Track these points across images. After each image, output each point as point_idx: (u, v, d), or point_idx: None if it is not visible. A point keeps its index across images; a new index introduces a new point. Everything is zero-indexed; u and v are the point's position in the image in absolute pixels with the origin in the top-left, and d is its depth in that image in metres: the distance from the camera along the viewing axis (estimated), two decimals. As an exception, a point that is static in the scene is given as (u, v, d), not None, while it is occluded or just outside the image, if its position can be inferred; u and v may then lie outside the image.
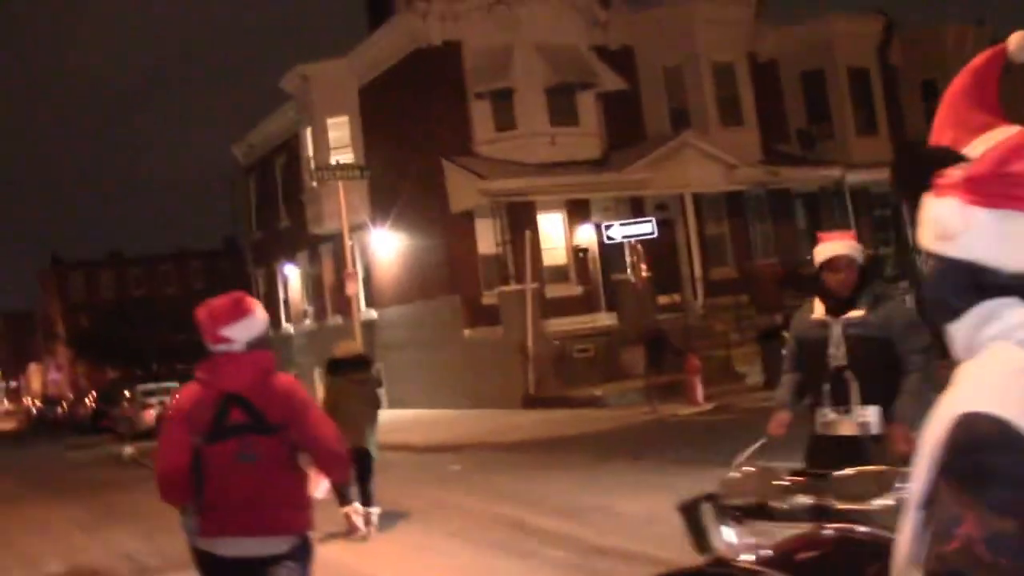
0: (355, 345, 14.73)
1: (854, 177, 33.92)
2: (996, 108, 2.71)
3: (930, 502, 1.82)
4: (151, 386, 39.72)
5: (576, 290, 30.59)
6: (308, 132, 34.84)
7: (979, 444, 1.72)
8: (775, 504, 3.19)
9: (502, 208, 28.50)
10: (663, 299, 29.67)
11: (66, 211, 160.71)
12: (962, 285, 1.87)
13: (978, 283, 1.86)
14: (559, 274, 30.49)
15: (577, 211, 30.66)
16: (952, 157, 2.52)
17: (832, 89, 35.50)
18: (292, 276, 40.55)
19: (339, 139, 33.73)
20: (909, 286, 34.03)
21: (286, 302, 41.21)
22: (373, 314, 32.73)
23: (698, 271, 31.16)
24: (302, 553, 5.05)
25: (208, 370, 5.08)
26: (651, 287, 28.64)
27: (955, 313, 1.90)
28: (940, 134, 2.68)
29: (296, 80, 34.86)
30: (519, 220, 28.63)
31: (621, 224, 25.27)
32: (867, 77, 36.11)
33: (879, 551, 2.69)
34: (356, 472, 11.07)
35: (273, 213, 41.10)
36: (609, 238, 25.25)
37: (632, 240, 25.25)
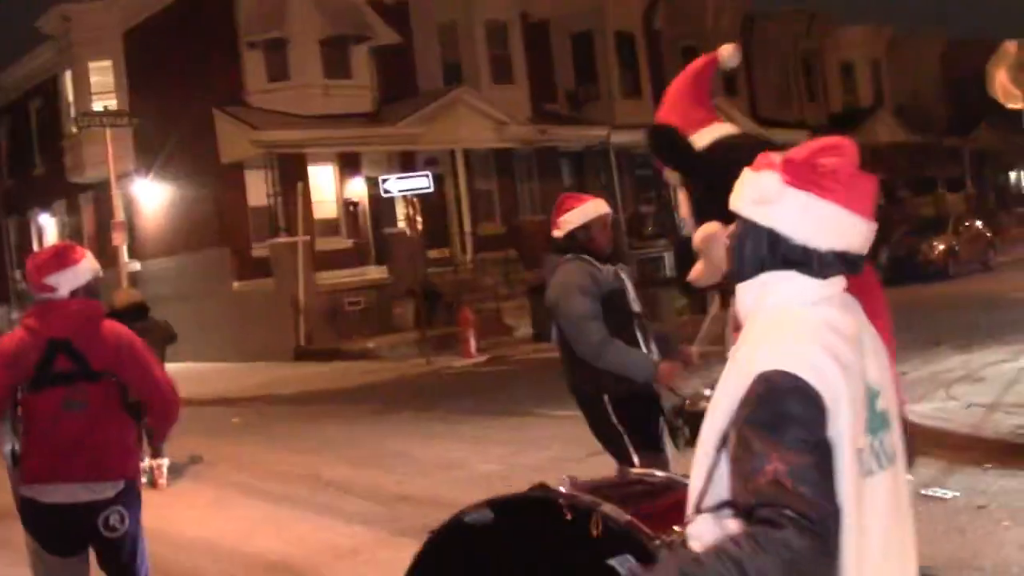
0: (134, 293, 14.27)
1: (618, 138, 34.99)
2: (710, 106, 3.27)
3: (723, 445, 2.27)
4: None
5: (347, 243, 30.57)
6: (68, 76, 33.55)
7: (778, 396, 2.16)
8: None
9: (274, 159, 28.21)
10: (433, 253, 29.99)
11: None
12: (761, 247, 2.32)
13: (772, 250, 2.30)
14: (330, 227, 30.39)
15: (349, 164, 30.59)
16: (680, 141, 3.05)
17: (600, 52, 36.48)
18: (48, 226, 38.99)
19: (102, 84, 32.56)
20: (667, 243, 35.44)
21: (41, 252, 39.67)
22: (137, 266, 31.76)
23: (467, 226, 31.62)
24: (130, 497, 5.14)
25: (34, 317, 5.14)
26: (422, 241, 28.96)
27: (748, 274, 2.35)
28: (666, 118, 3.20)
29: (55, 20, 33.41)
30: (291, 172, 28.40)
31: (398, 178, 25.36)
32: (633, 41, 37.26)
33: (668, 488, 3.14)
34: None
35: (27, 160, 39.34)
36: (385, 191, 25.30)
37: (408, 194, 25.40)
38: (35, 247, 39.56)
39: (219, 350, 28.33)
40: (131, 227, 31.54)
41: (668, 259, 34.62)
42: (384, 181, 25.26)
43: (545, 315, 24.76)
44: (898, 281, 27.77)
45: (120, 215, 27.24)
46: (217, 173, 29.52)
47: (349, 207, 30.86)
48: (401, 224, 29.40)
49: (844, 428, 2.17)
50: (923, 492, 8.00)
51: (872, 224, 2.32)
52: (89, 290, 5.24)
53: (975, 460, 8.92)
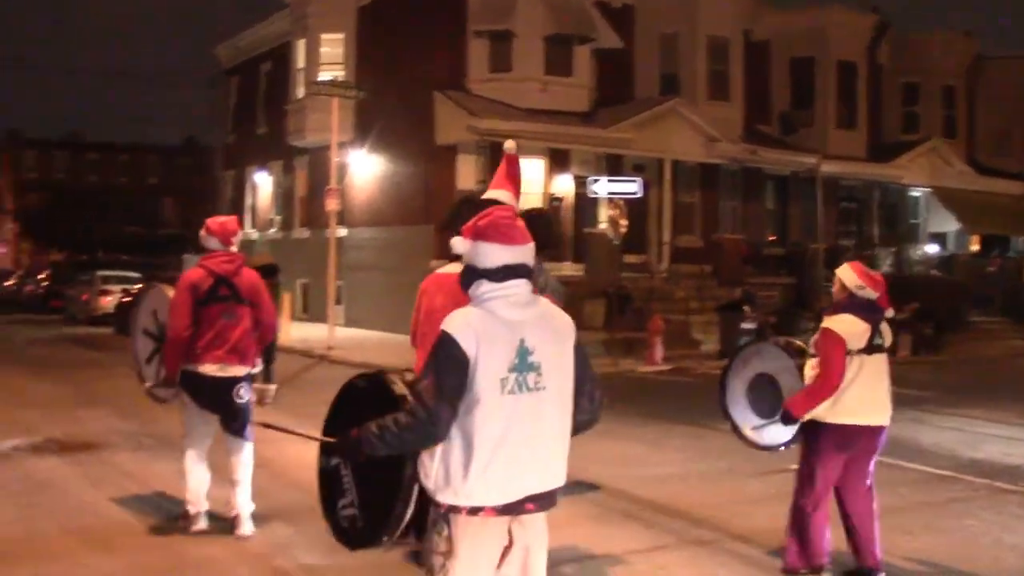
0: (268, 256, 18.93)
1: (828, 167, 34.71)
2: (518, 179, 6.19)
3: None
4: (110, 273, 39.24)
5: (546, 237, 31.01)
6: (301, 44, 34.92)
7: (441, 343, 3.99)
8: None
9: (487, 147, 28.92)
10: (629, 258, 30.29)
11: (27, 85, 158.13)
12: (471, 274, 4.12)
13: (475, 273, 4.10)
14: (532, 219, 30.91)
15: (558, 160, 31.07)
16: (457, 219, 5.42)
17: (819, 78, 36.22)
18: (263, 184, 40.67)
19: (332, 55, 33.85)
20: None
21: (253, 208, 41.39)
22: (343, 232, 32.92)
23: (666, 236, 31.83)
24: (250, 379, 8.29)
25: (210, 260, 8.20)
26: (621, 244, 29.29)
27: (469, 285, 4.13)
28: (497, 184, 6.20)
29: (296, -9, 34.92)
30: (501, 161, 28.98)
31: (608, 180, 25.73)
32: (854, 72, 36.86)
33: None
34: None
35: (250, 119, 41.13)
36: (593, 192, 25.70)
37: (615, 197, 25.76)
38: (248, 202, 41.38)
39: (408, 323, 29.17)
40: (342, 194, 32.76)
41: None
42: (594, 182, 25.59)
43: (733, 333, 24.56)
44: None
45: (335, 182, 28.29)
46: (430, 153, 30.43)
47: (554, 202, 31.38)
48: (603, 225, 29.79)
49: (482, 366, 3.92)
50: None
51: (525, 246, 4.12)
52: (241, 248, 8.52)
53: None
